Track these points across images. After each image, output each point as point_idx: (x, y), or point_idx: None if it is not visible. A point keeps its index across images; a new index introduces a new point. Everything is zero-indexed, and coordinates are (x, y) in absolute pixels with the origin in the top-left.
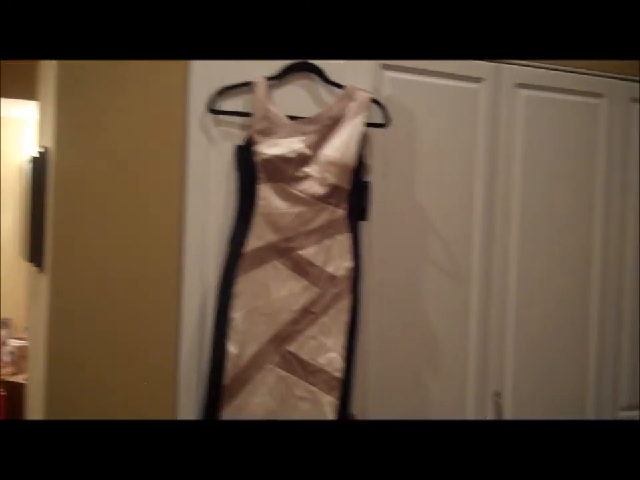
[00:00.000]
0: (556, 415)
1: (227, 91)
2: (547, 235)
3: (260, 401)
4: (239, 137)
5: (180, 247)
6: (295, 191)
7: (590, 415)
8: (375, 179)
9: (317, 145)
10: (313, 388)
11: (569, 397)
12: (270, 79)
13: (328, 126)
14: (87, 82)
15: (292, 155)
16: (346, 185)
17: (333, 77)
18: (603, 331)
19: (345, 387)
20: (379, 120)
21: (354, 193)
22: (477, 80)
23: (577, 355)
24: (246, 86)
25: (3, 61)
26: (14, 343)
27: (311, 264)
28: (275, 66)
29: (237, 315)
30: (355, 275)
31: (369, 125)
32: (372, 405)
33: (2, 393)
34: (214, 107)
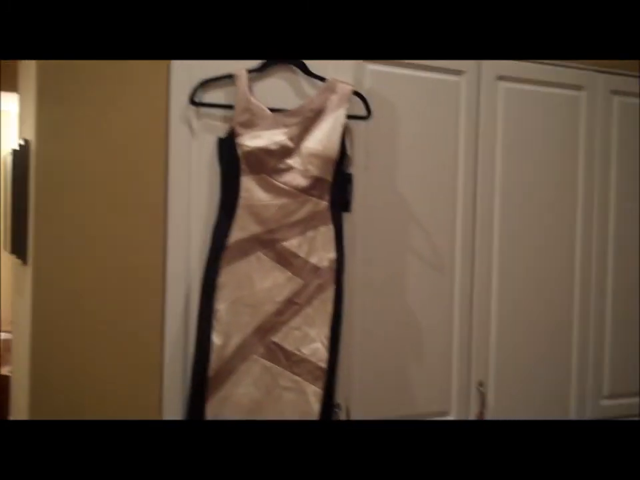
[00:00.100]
0: (539, 404)
1: (208, 83)
2: (529, 225)
3: (245, 391)
4: (221, 130)
5: (163, 238)
6: (277, 183)
7: (573, 403)
8: (357, 171)
9: (299, 137)
10: (297, 378)
11: (552, 386)
12: (252, 71)
13: (310, 118)
14: (68, 74)
15: (274, 147)
16: (328, 176)
17: (315, 70)
18: (586, 320)
19: (329, 377)
20: (360, 112)
21: (336, 185)
22: (458, 72)
23: (559, 345)
24: (228, 78)
25: None
26: None
27: (294, 255)
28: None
29: (221, 306)
30: (338, 266)
31: (351, 117)
32: (356, 394)
33: None
34: (196, 99)
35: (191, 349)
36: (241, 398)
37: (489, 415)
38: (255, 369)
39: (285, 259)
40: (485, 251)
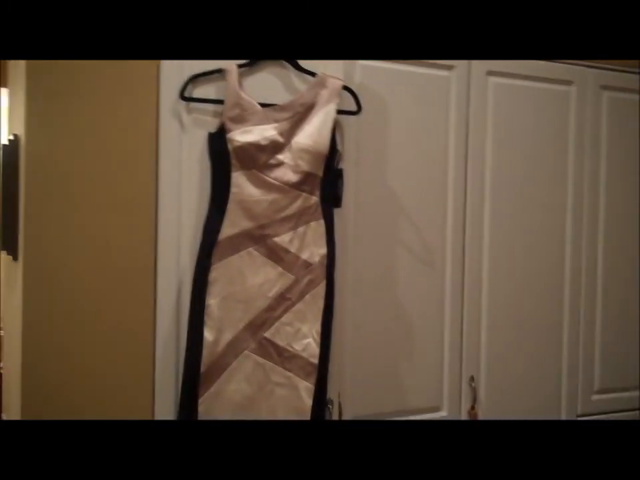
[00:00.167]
0: (531, 399)
1: (198, 78)
2: (519, 220)
3: (237, 387)
4: (211, 125)
5: (154, 234)
6: (268, 178)
7: (564, 398)
8: (348, 166)
9: (289, 132)
10: (289, 374)
11: (543, 381)
12: (242, 66)
13: (300, 113)
14: (57, 68)
15: (264, 142)
16: (319, 172)
17: (305, 65)
18: (576, 315)
19: (320, 373)
20: (351, 107)
21: (327, 180)
22: (448, 68)
23: (550, 340)
24: (218, 73)
25: None
26: None
27: (285, 251)
28: None
29: (213, 301)
30: (329, 262)
31: (341, 112)
32: (348, 390)
33: None
34: (186, 94)
35: (183, 344)
36: (233, 394)
37: (481, 410)
38: (247, 364)
39: (276, 255)
40: (475, 246)
